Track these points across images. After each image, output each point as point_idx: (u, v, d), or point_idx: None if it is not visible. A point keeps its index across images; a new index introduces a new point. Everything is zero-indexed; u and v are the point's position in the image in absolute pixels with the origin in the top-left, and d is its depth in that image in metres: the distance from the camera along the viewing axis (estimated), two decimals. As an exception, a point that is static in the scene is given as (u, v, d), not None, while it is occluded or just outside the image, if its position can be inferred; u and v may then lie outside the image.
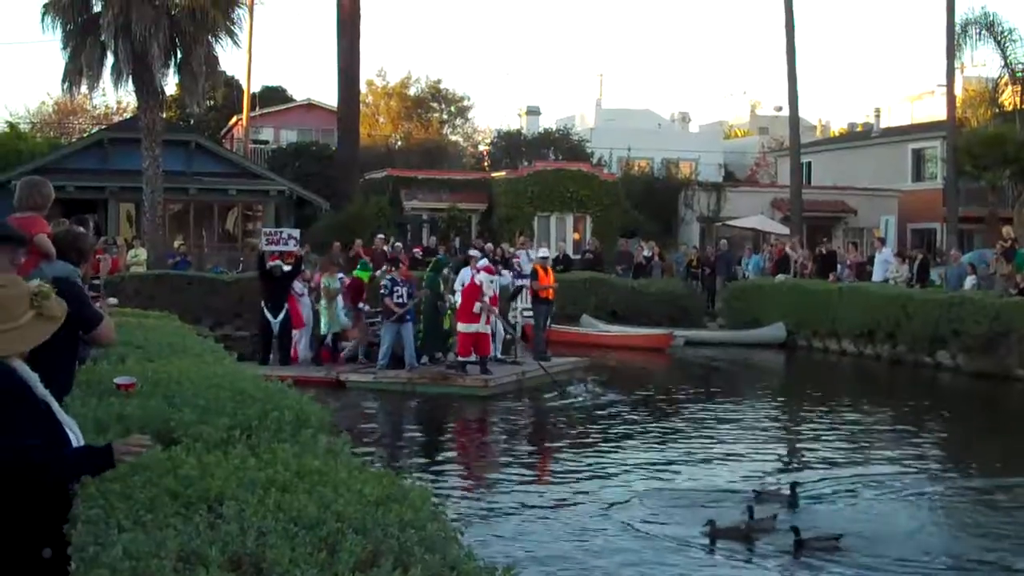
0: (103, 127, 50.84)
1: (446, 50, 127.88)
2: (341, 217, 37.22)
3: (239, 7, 34.57)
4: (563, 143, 53.60)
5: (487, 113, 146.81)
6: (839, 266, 32.47)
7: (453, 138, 68.52)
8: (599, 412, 19.22)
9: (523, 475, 14.25)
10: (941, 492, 13.47)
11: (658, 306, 32.50)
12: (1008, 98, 42.52)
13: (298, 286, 22.31)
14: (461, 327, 20.89)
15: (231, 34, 33.38)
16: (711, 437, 17.12)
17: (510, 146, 53.82)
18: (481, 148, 63.19)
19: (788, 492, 12.23)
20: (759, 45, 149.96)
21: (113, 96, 67.14)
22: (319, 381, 20.66)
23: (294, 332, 22.14)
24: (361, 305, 22.82)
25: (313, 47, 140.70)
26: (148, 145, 32.29)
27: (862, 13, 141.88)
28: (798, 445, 17.14)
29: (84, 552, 3.75)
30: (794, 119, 41.76)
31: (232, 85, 54.89)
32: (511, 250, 30.35)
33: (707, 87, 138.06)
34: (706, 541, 10.67)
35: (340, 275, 23.57)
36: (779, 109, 63.89)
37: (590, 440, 16.70)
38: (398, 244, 33.69)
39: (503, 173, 43.47)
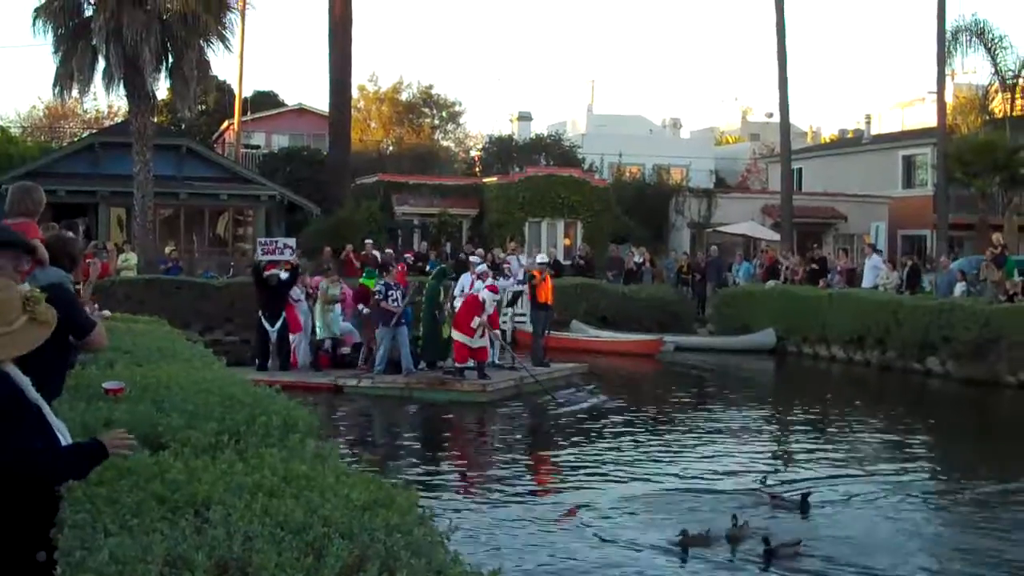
0: (94, 131, 50.77)
1: (438, 55, 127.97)
2: (332, 222, 37.22)
3: (231, 12, 34.62)
4: (554, 149, 53.60)
5: (479, 118, 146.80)
6: (829, 272, 32.52)
7: (444, 143, 68.57)
8: (591, 418, 19.20)
9: (516, 481, 14.24)
10: (927, 498, 13.51)
11: (648, 312, 32.52)
12: (998, 105, 42.63)
13: (296, 291, 22.26)
14: (457, 336, 20.87)
15: (223, 39, 33.38)
16: (701, 443, 17.14)
17: (501, 151, 53.81)
18: (472, 153, 63.19)
19: (799, 499, 12.20)
20: (750, 51, 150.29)
21: (104, 100, 66.77)
22: (318, 386, 20.69)
23: (292, 337, 22.10)
24: (360, 307, 22.77)
25: (305, 52, 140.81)
26: (139, 149, 32.26)
27: (853, 20, 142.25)
28: (786, 451, 17.15)
29: (71, 556, 3.76)
30: (785, 125, 41.79)
31: (223, 90, 54.86)
32: (502, 255, 30.36)
33: (698, 93, 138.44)
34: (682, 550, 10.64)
35: (339, 280, 23.59)
36: (770, 115, 64.00)
37: (582, 446, 16.70)
38: (389, 250, 33.69)
39: (494, 178, 43.45)
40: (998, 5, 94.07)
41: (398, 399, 20.24)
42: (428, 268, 29.31)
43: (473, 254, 28.98)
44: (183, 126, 54.27)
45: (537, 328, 24.45)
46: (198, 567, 3.54)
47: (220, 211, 40.84)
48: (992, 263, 26.78)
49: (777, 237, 41.26)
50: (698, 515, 11.87)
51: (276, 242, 23.72)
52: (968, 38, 41.14)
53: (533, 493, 13.56)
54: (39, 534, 4.07)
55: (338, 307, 22.68)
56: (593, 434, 17.73)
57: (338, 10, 42.21)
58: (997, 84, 42.11)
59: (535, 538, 11.12)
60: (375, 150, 60.78)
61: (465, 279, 23.52)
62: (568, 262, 36.99)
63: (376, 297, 21.55)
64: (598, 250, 38.58)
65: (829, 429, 18.85)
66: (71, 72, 31.52)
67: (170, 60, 32.42)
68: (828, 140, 67.99)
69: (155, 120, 37.20)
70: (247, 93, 54.90)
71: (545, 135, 56.57)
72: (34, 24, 31.32)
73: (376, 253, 32.59)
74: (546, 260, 26.49)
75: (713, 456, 16.03)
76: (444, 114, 69.37)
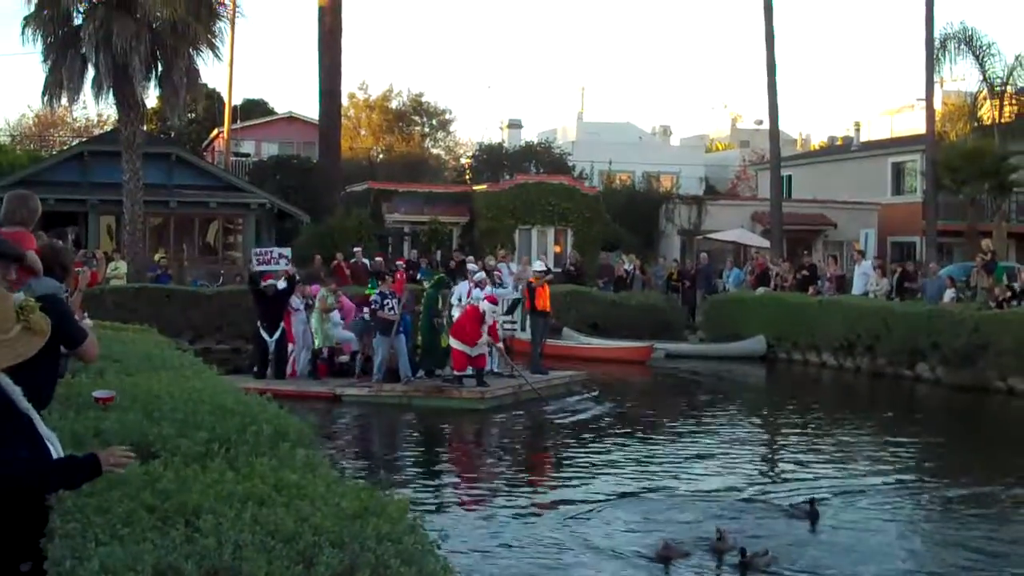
0: (83, 140, 50.71)
1: (428, 63, 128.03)
2: (322, 230, 37.23)
3: (220, 20, 34.64)
4: (545, 156, 53.69)
5: (469, 126, 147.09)
6: (819, 279, 32.57)
7: (435, 151, 68.61)
8: (588, 426, 19.20)
9: (511, 488, 14.22)
10: (914, 504, 13.54)
11: (639, 319, 32.52)
12: (987, 112, 42.71)
13: (295, 301, 22.18)
14: (456, 344, 20.85)
15: (212, 47, 33.35)
16: (693, 449, 17.19)
17: (492, 159, 53.88)
18: (463, 161, 63.23)
19: (808, 507, 12.15)
20: (740, 59, 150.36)
21: (94, 109, 66.84)
22: (316, 395, 20.66)
23: (290, 347, 22.03)
24: (365, 312, 22.64)
25: (295, 60, 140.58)
26: (128, 158, 32.22)
27: (842, 27, 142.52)
28: (776, 457, 17.19)
29: (61, 566, 3.76)
30: (774, 132, 41.87)
31: (213, 98, 54.83)
32: (492, 263, 30.33)
33: (688, 100, 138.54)
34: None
35: (338, 288, 23.55)
36: (760, 122, 64.09)
37: (577, 453, 16.71)
38: (378, 258, 33.68)
39: (484, 186, 43.49)
40: (986, 13, 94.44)
41: (396, 407, 20.18)
42: (419, 276, 29.31)
43: (471, 262, 28.96)
44: (173, 134, 54.25)
45: (536, 336, 24.37)
46: (188, 576, 3.55)
47: (210, 219, 40.78)
48: (983, 270, 26.85)
49: (767, 244, 41.30)
50: (689, 522, 11.90)
51: (271, 252, 23.66)
52: (956, 45, 41.23)
53: (528, 501, 13.49)
54: (25, 544, 4.06)
55: (336, 315, 22.59)
56: (588, 441, 17.71)
57: (328, 20, 42.28)
58: (985, 91, 42.19)
59: (526, 546, 11.10)
60: (365, 158, 60.81)
61: (463, 287, 23.48)
62: (558, 269, 37.00)
63: (372, 307, 21.47)
64: (588, 257, 38.63)
65: (819, 435, 18.86)
66: (60, 80, 31.46)
67: (159, 68, 32.39)
68: (818, 147, 68.13)
69: (145, 128, 37.16)
70: (237, 101, 54.97)
71: (535, 142, 56.68)
72: (23, 32, 31.26)
73: (365, 261, 32.63)
74: (543, 267, 26.40)
75: (706, 463, 16.05)
76: (434, 122, 69.38)
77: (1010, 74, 41.65)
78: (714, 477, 14.92)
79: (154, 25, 31.53)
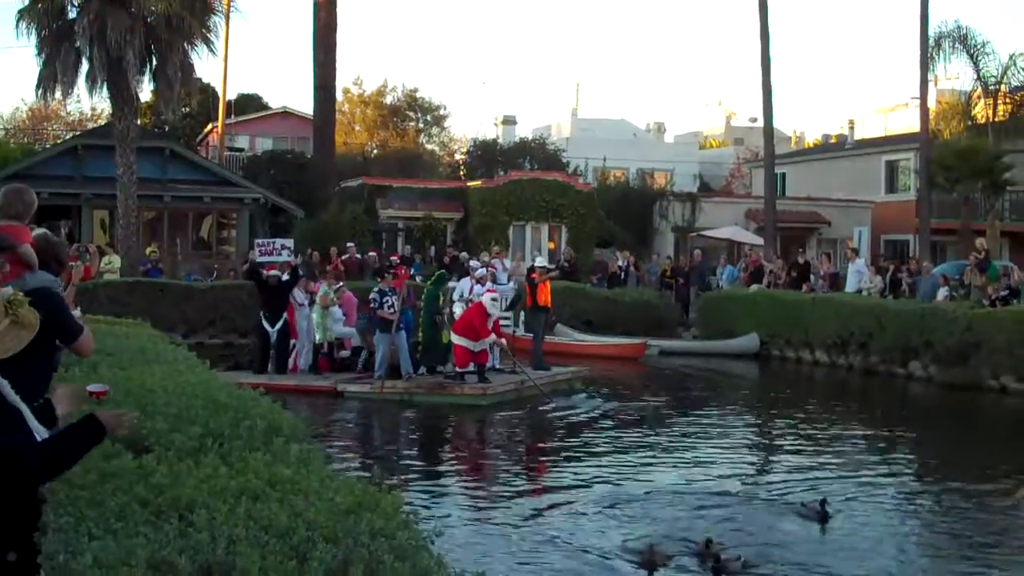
0: (77, 133, 50.63)
1: (423, 59, 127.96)
2: (316, 225, 37.19)
3: (215, 14, 34.53)
4: (539, 152, 53.67)
5: (463, 122, 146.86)
6: (813, 277, 32.60)
7: (429, 147, 68.54)
8: (588, 422, 19.20)
9: (508, 485, 14.22)
10: (904, 501, 13.57)
11: (632, 316, 32.54)
12: (981, 111, 42.77)
13: (299, 295, 22.12)
14: (458, 340, 20.81)
15: (207, 41, 33.28)
16: (688, 446, 17.19)
17: (486, 155, 53.85)
18: (457, 157, 63.20)
19: (819, 507, 12.08)
20: (735, 56, 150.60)
21: (88, 102, 66.84)
22: (317, 390, 20.63)
23: (291, 341, 21.98)
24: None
25: (289, 55, 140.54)
26: (122, 152, 32.15)
27: (837, 25, 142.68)
28: (768, 455, 17.20)
29: (54, 560, 3.75)
30: (768, 130, 41.91)
31: (208, 92, 54.79)
32: (486, 259, 30.32)
33: (683, 97, 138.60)
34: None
35: (341, 284, 23.48)
36: (754, 120, 64.19)
37: (578, 450, 16.71)
38: (372, 253, 33.69)
39: (479, 182, 43.47)
40: (981, 12, 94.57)
41: (398, 404, 20.11)
42: (412, 272, 29.28)
43: (473, 259, 29.00)
44: (167, 128, 54.14)
45: (538, 332, 24.33)
46: (182, 571, 3.55)
47: (204, 214, 40.73)
48: (976, 268, 26.88)
49: (761, 241, 41.34)
50: (683, 520, 11.93)
51: (273, 243, 23.66)
52: (951, 44, 41.28)
53: (525, 497, 13.44)
54: (12, 534, 4.05)
55: (337, 311, 22.52)
56: (588, 438, 17.71)
57: (323, 15, 42.27)
58: (980, 90, 42.24)
59: (522, 542, 11.10)
60: (360, 153, 60.77)
61: (464, 284, 23.46)
62: (552, 266, 36.96)
63: (372, 305, 21.42)
64: (582, 254, 38.63)
65: (811, 433, 18.87)
66: (54, 74, 31.39)
67: (154, 62, 32.33)
68: (812, 145, 68.17)
69: (139, 122, 37.11)
70: (231, 96, 54.79)
71: (530, 139, 56.68)
72: (17, 26, 31.20)
73: (359, 256, 32.61)
74: (544, 263, 26.35)
75: (701, 459, 16.05)
76: (429, 117, 69.34)
77: (1004, 73, 41.72)
78: (710, 475, 14.90)
79: (148, 19, 31.47)
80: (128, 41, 30.29)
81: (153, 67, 32.43)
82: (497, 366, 22.58)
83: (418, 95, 68.42)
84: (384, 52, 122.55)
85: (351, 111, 66.98)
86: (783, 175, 51.89)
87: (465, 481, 14.80)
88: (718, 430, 19.00)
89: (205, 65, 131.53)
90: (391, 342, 20.98)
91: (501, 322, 24.98)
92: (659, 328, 32.08)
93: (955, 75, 43.30)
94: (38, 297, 4.51)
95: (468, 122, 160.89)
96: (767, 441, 18.57)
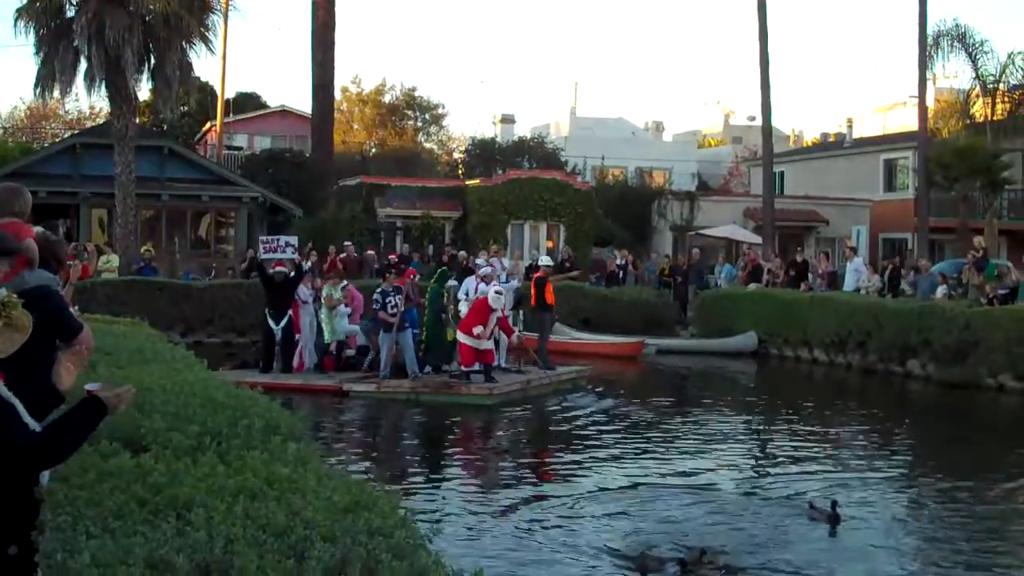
0: (76, 132, 50.57)
1: (421, 58, 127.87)
2: (314, 224, 37.16)
3: (213, 13, 34.54)
4: (537, 151, 53.63)
5: (462, 121, 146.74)
6: (811, 275, 32.59)
7: (427, 145, 68.51)
8: (588, 420, 19.21)
9: (510, 484, 14.23)
10: (905, 499, 13.58)
11: (631, 314, 32.53)
12: (979, 109, 42.73)
13: (304, 293, 22.10)
14: (464, 339, 20.79)
15: (205, 40, 33.30)
16: (685, 447, 17.20)
17: (484, 154, 53.82)
18: (455, 156, 63.18)
19: (830, 510, 11.99)
20: (733, 55, 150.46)
21: (86, 101, 66.86)
22: (323, 389, 20.61)
23: (296, 337, 21.90)
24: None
25: (288, 54, 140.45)
26: (121, 151, 32.15)
27: (835, 24, 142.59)
28: (767, 453, 17.22)
29: (52, 559, 3.75)
30: (767, 129, 41.89)
31: (206, 91, 54.71)
32: (484, 258, 30.30)
33: (681, 96, 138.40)
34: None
35: (345, 283, 23.46)
36: (752, 119, 64.09)
37: (582, 450, 16.70)
38: (370, 252, 33.64)
39: (477, 181, 43.42)
40: (979, 10, 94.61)
41: (403, 403, 20.10)
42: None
43: (479, 258, 28.99)
44: (165, 127, 54.08)
45: (543, 331, 24.27)
46: (180, 570, 3.55)
47: (202, 213, 40.71)
48: (974, 267, 26.89)
49: (759, 240, 41.33)
50: (683, 522, 11.93)
51: (278, 240, 23.66)
52: (949, 43, 41.23)
53: (528, 496, 13.40)
54: (16, 528, 4.05)
55: (343, 308, 22.48)
56: (592, 437, 17.71)
57: (321, 14, 42.26)
58: (978, 88, 42.20)
59: (523, 541, 11.10)
60: (358, 152, 60.72)
61: (469, 283, 23.42)
62: (568, 265, 36.92)
63: (374, 306, 21.36)
64: (581, 253, 38.63)
65: (809, 431, 18.89)
66: (53, 73, 31.40)
67: (152, 61, 32.34)
68: (810, 143, 68.12)
69: (137, 121, 37.07)
70: (230, 94, 54.74)
71: (528, 137, 56.62)
72: (16, 24, 31.23)
73: (357, 255, 32.60)
74: (550, 262, 26.20)
75: (701, 458, 16.08)
76: (427, 116, 69.30)
77: (1003, 72, 41.69)
78: (707, 473, 14.92)
79: (147, 18, 31.48)
80: (126, 40, 30.30)
81: (151, 66, 32.45)
82: (503, 365, 22.55)
83: (416, 94, 68.44)
84: (383, 51, 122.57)
85: (349, 110, 66.95)
86: (781, 174, 51.87)
87: (467, 480, 14.81)
88: (716, 429, 18.99)
89: (203, 64, 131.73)
90: (394, 342, 20.97)
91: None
92: (657, 327, 32.08)
93: (953, 74, 43.28)
94: (38, 295, 4.51)
95: (466, 121, 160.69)
96: (764, 440, 18.56)
